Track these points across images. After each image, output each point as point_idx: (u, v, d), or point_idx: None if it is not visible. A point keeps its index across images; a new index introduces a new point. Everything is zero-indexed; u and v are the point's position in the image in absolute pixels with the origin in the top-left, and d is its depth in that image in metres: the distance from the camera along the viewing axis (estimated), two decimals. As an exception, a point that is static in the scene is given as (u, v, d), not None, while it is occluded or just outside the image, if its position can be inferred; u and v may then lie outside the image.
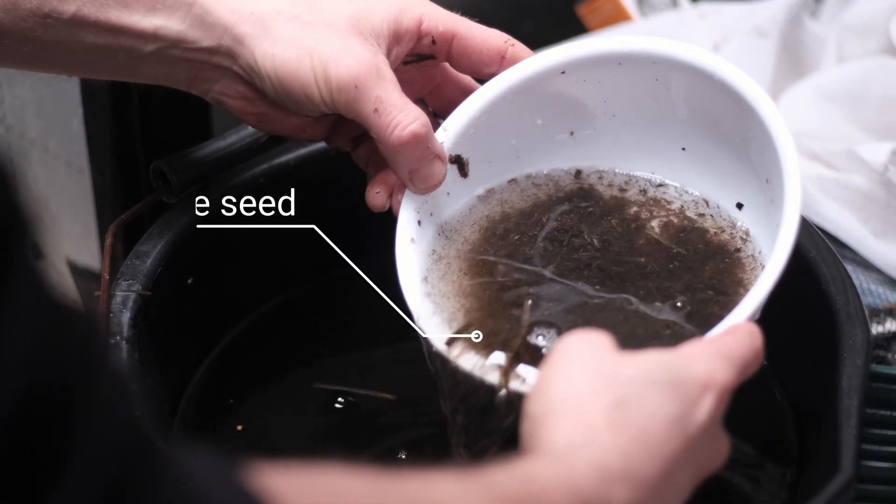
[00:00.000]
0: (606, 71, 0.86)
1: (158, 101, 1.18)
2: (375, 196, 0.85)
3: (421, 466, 0.60)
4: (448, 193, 0.87)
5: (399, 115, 0.80)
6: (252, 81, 0.83)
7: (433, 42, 0.85)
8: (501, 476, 0.62)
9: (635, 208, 0.88)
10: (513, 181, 0.90)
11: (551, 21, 1.40)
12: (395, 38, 0.83)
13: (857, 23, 1.26)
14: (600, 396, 0.67)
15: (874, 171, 1.11)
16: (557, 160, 0.90)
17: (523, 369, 0.78)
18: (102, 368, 0.48)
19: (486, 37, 0.86)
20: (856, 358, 0.82)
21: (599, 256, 0.85)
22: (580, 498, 0.63)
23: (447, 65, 0.88)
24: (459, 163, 0.87)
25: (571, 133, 0.90)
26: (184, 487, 0.48)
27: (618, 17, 1.36)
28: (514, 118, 0.88)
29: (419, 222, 0.85)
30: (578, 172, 0.91)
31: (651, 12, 1.37)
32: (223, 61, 0.83)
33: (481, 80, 0.88)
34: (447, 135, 0.86)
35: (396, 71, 0.84)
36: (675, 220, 0.87)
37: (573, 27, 1.36)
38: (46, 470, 0.44)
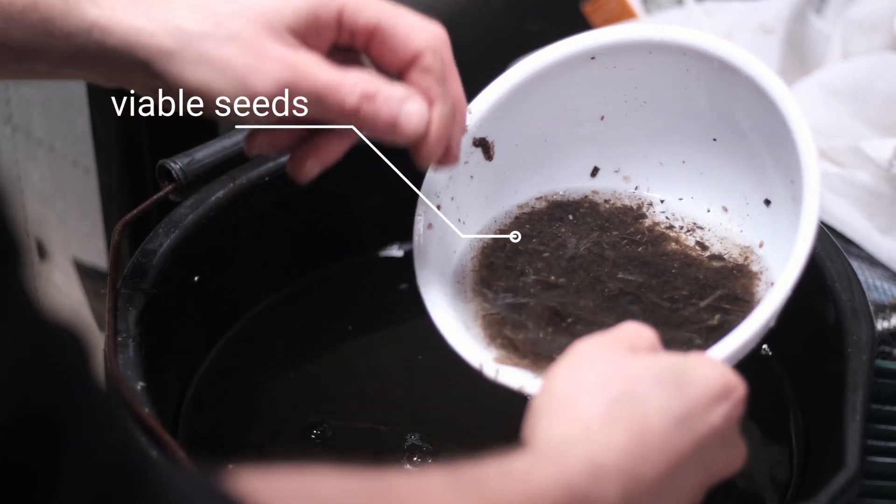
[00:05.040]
0: (637, 58, 0.86)
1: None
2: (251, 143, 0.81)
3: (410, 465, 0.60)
4: (472, 177, 0.86)
5: (342, 88, 0.75)
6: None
7: (352, 35, 0.79)
8: (495, 473, 0.61)
9: (654, 229, 0.88)
10: (540, 198, 0.90)
11: (557, 19, 1.40)
12: (315, 32, 0.78)
13: (862, 19, 1.26)
14: (602, 392, 0.66)
15: (879, 167, 1.11)
16: (586, 144, 0.90)
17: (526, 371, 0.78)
18: (90, 388, 0.48)
19: (408, 35, 0.78)
20: (861, 354, 0.82)
21: (623, 287, 0.85)
22: (574, 495, 0.62)
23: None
24: (484, 145, 0.86)
25: (602, 118, 0.89)
26: (169, 501, 0.48)
27: (623, 14, 1.36)
28: (542, 102, 0.87)
29: (439, 207, 0.84)
30: (596, 170, 0.90)
31: (656, 10, 1.37)
32: (139, 78, 0.78)
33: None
34: (472, 117, 0.85)
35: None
36: (689, 242, 0.87)
37: (579, 25, 1.36)
38: (35, 489, 0.44)
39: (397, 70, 0.79)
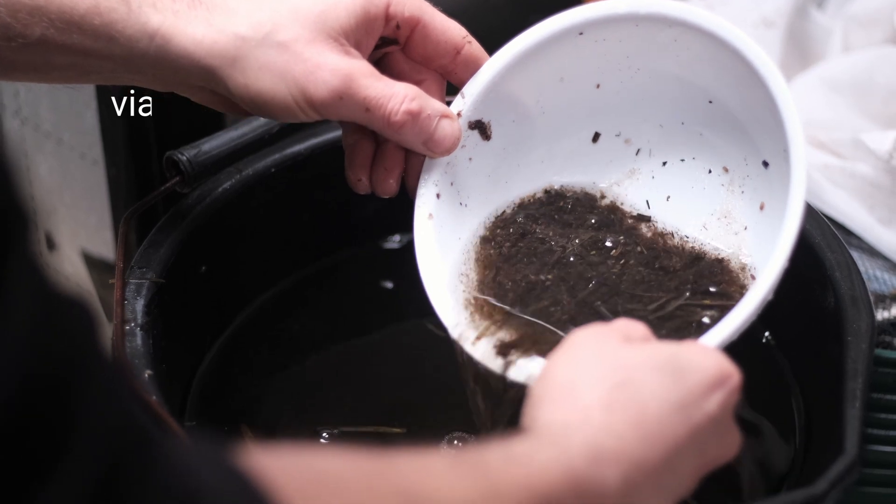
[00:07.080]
0: (625, 31, 0.86)
1: (171, 92, 1.19)
2: (358, 183, 0.86)
3: (414, 446, 0.60)
4: (470, 159, 0.87)
5: (389, 103, 0.80)
6: (231, 99, 0.82)
7: (398, 27, 0.84)
8: (496, 457, 0.62)
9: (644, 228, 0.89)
10: (543, 191, 0.91)
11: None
12: (365, 29, 0.82)
13: (862, 13, 1.27)
14: (601, 379, 0.67)
15: (879, 160, 1.12)
16: (585, 112, 0.90)
17: (530, 360, 0.78)
18: (98, 358, 0.48)
19: (446, 27, 0.85)
20: (860, 342, 0.83)
21: (616, 280, 0.85)
22: (574, 479, 0.63)
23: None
24: (480, 127, 0.87)
25: (598, 86, 0.89)
26: (176, 472, 0.49)
27: (625, 8, 1.37)
28: (535, 77, 0.88)
29: (438, 195, 0.85)
30: (597, 135, 0.91)
31: (658, 4, 1.37)
32: (197, 82, 0.82)
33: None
34: (465, 101, 0.86)
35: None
36: (680, 238, 0.88)
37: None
38: (41, 459, 0.45)
39: (429, 59, 0.85)
